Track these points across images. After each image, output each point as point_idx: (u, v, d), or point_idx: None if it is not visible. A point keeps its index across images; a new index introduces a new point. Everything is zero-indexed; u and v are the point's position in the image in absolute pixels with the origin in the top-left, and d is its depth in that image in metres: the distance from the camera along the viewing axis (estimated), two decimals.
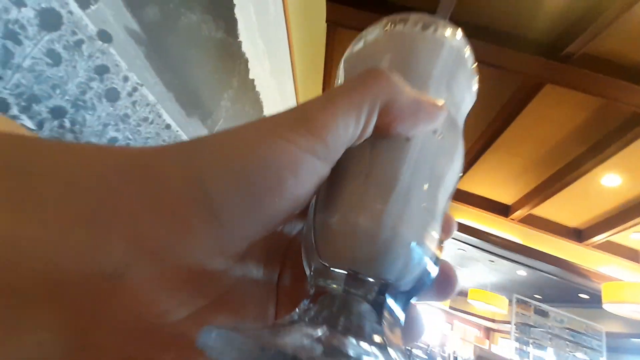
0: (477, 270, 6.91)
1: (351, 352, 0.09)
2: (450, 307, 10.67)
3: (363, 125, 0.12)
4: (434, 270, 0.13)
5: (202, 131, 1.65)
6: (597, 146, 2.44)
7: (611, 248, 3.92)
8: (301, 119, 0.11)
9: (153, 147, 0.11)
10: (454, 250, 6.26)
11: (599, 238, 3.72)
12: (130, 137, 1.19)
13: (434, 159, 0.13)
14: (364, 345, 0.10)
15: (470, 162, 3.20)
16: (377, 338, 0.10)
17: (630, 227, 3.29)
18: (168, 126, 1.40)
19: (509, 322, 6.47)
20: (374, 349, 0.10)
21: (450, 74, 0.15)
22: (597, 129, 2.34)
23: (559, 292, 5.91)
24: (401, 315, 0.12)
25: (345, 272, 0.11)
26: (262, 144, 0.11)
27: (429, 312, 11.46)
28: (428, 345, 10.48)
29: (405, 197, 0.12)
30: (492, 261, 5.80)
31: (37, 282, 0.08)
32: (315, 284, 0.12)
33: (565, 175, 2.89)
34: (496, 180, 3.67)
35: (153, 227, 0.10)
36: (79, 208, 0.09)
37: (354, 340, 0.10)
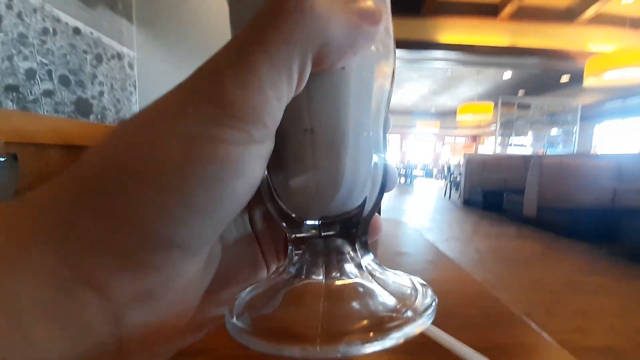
0: (463, 88, 6.99)
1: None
2: (441, 128, 11.54)
3: (296, 84, 0.10)
4: (386, 180, 0.14)
5: (118, 22, 1.29)
6: None
7: (601, 19, 3.78)
8: (223, 105, 0.09)
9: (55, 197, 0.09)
10: (439, 75, 6.13)
11: (590, 10, 3.52)
12: (45, 61, 0.95)
13: (374, 78, 0.12)
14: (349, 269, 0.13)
15: None
16: (354, 262, 0.13)
17: None
18: (77, 30, 1.08)
19: (494, 123, 7.10)
20: (355, 271, 0.13)
21: None
22: None
23: (541, 83, 6.13)
24: (366, 232, 0.14)
25: (318, 221, 0.13)
26: (193, 159, 0.09)
27: (423, 136, 12.58)
28: (424, 164, 12.01)
29: (355, 139, 0.12)
30: (478, 73, 5.76)
31: None
32: (293, 234, 0.13)
33: None
34: None
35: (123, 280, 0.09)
36: None
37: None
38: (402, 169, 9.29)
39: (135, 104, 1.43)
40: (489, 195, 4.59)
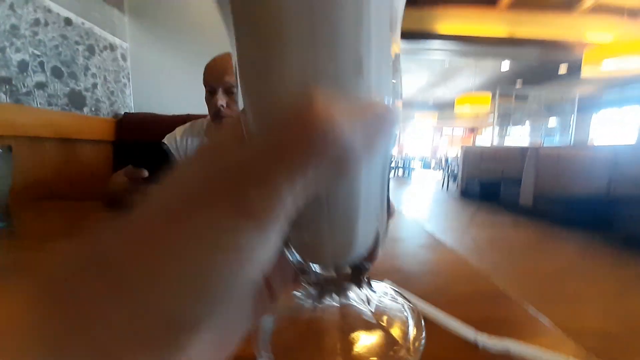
0: (461, 80, 6.95)
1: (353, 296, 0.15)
2: (439, 120, 11.51)
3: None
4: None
5: (110, 12, 1.26)
6: None
7: (600, 9, 3.76)
8: (243, 210, 0.09)
9: None
10: (437, 66, 6.09)
11: (589, 0, 3.50)
12: (37, 52, 0.93)
13: (383, 159, 0.13)
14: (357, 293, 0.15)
15: None
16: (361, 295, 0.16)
17: None
18: (68, 21, 1.06)
19: (492, 115, 7.11)
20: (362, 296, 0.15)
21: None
22: None
23: (539, 75, 6.09)
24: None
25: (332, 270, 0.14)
26: (211, 247, 0.09)
27: (421, 128, 12.58)
28: (422, 156, 11.98)
29: (366, 212, 0.13)
30: (476, 65, 5.73)
31: None
32: (305, 277, 0.15)
33: None
34: None
35: None
36: None
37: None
38: (400, 162, 9.30)
39: (130, 96, 1.41)
40: (486, 185, 4.61)
